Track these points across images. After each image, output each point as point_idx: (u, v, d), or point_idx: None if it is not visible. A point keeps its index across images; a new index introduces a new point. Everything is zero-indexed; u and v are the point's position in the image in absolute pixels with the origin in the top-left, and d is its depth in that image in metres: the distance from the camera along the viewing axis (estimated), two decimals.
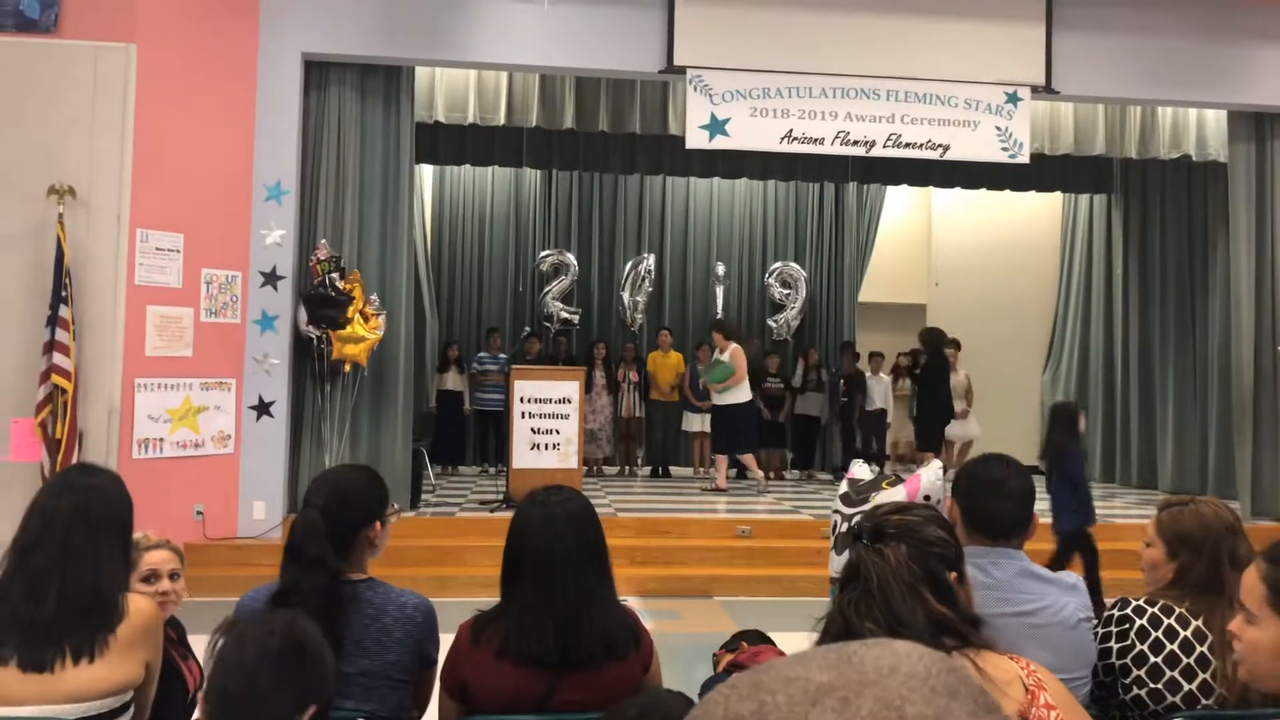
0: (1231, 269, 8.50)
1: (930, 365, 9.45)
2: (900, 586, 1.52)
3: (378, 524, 2.17)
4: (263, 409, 6.97)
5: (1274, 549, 1.57)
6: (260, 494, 6.89)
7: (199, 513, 6.62)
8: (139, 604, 2.07)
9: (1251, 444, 8.17)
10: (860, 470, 2.65)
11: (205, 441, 6.68)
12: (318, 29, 7.20)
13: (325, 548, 2.03)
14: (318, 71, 7.39)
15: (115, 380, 6.25)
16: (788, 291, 11.71)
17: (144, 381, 6.36)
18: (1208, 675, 2.06)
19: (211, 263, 6.79)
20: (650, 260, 11.50)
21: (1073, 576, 2.20)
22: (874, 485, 2.45)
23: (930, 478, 2.42)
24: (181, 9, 6.69)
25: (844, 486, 2.60)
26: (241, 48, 7.02)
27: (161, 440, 6.43)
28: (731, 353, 9.02)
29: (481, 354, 10.52)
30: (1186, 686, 2.08)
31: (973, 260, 12.39)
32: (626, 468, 10.75)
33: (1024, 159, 7.92)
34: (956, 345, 10.98)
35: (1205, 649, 2.07)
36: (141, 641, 2.06)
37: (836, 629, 1.53)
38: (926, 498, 2.30)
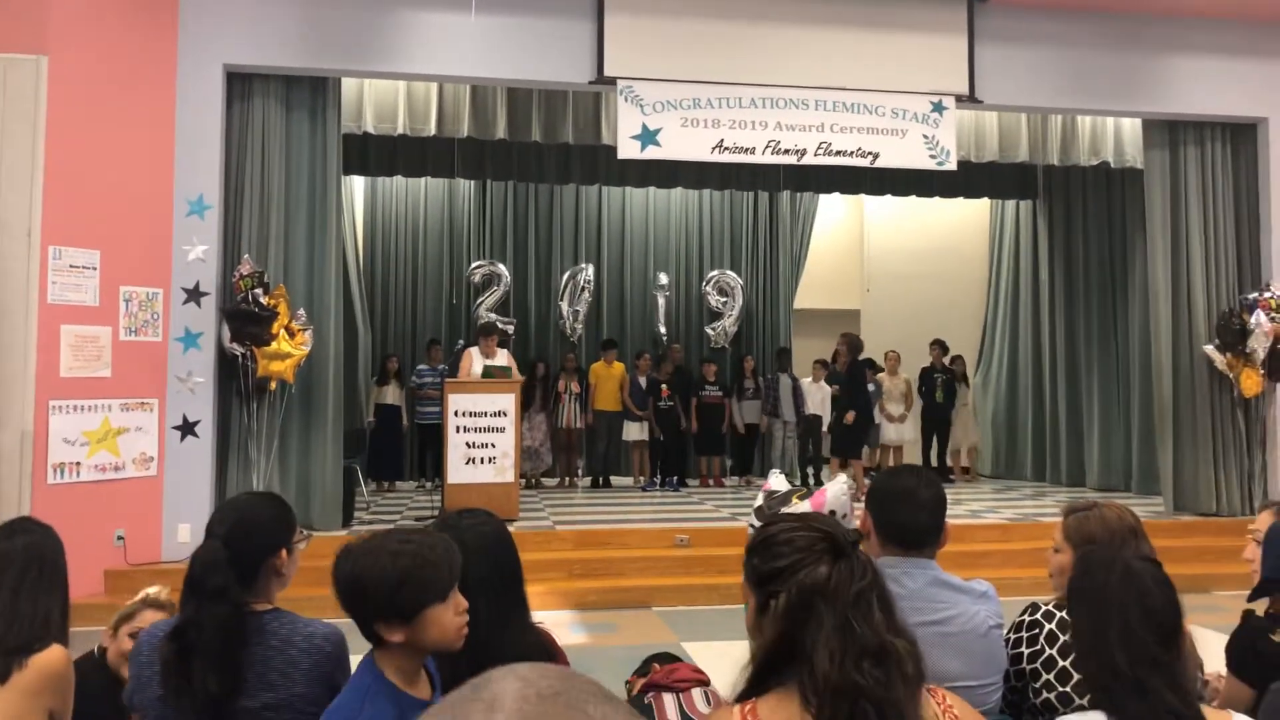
0: (1149, 272, 8.76)
1: (848, 370, 9.24)
2: (883, 599, 1.45)
3: (284, 552, 2.12)
4: (187, 429, 6.79)
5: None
6: (185, 516, 6.70)
7: (120, 538, 6.42)
8: (54, 652, 2.14)
9: (1172, 442, 8.41)
10: (777, 481, 2.63)
11: (126, 464, 6.48)
12: (240, 40, 7.05)
13: (227, 578, 1.97)
14: (240, 83, 7.24)
15: (28, 403, 6.02)
16: (724, 299, 11.79)
17: (59, 404, 6.14)
18: None
19: (131, 280, 6.59)
20: (590, 270, 11.48)
21: (984, 584, 2.22)
22: (786, 499, 2.43)
23: (835, 492, 2.40)
24: (96, 20, 6.50)
25: (760, 499, 2.58)
26: (160, 59, 6.85)
27: (79, 464, 6.21)
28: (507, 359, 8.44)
29: (421, 366, 10.39)
30: None
31: (904, 266, 12.61)
32: (567, 479, 10.70)
33: (951, 166, 8.08)
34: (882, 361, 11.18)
35: None
36: (48, 689, 2.10)
37: (871, 644, 1.38)
38: (832, 513, 2.28)
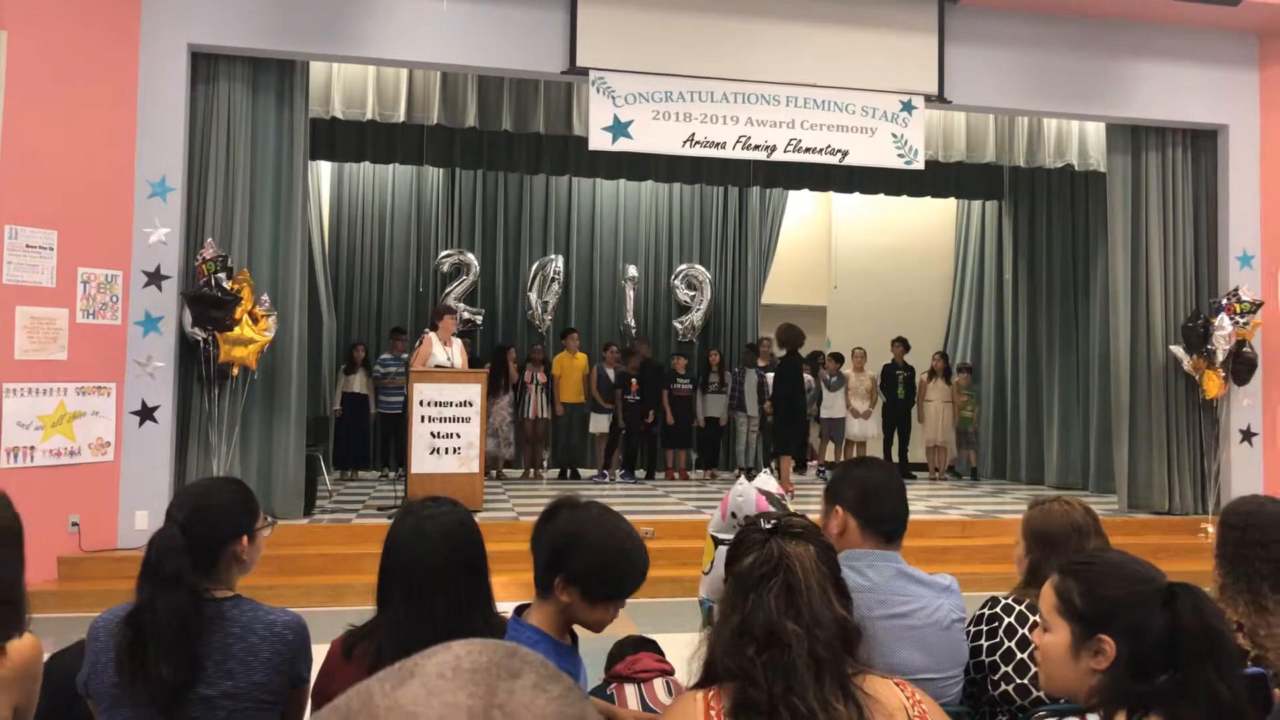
0: (1109, 274, 8.89)
1: (785, 364, 9.09)
2: (817, 585, 1.49)
3: (245, 539, 2.08)
4: (146, 414, 6.67)
5: (1070, 563, 1.66)
6: (143, 503, 6.59)
7: (74, 524, 6.29)
8: (29, 640, 2.02)
9: (1128, 442, 8.56)
10: (766, 482, 2.48)
11: (82, 449, 6.35)
12: (205, 20, 6.93)
13: (183, 564, 1.93)
14: (205, 64, 7.11)
15: None
16: (693, 293, 11.81)
17: (13, 386, 6.00)
18: None
19: (89, 261, 6.46)
20: (559, 262, 11.44)
21: (947, 578, 2.24)
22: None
23: (735, 496, 2.33)
24: None
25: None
26: (123, 37, 6.70)
27: (33, 448, 6.08)
28: (461, 354, 7.97)
29: (385, 355, 10.30)
30: None
31: (871, 263, 12.71)
32: (531, 470, 10.66)
33: (919, 165, 8.14)
34: (839, 358, 11.31)
35: None
36: (15, 682, 1.98)
37: (760, 628, 1.45)
38: (733, 515, 2.22)
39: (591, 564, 1.83)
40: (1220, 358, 8.12)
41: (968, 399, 11.23)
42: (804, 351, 9.59)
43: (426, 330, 7.83)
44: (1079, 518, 2.35)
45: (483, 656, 0.61)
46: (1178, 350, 8.41)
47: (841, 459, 11.20)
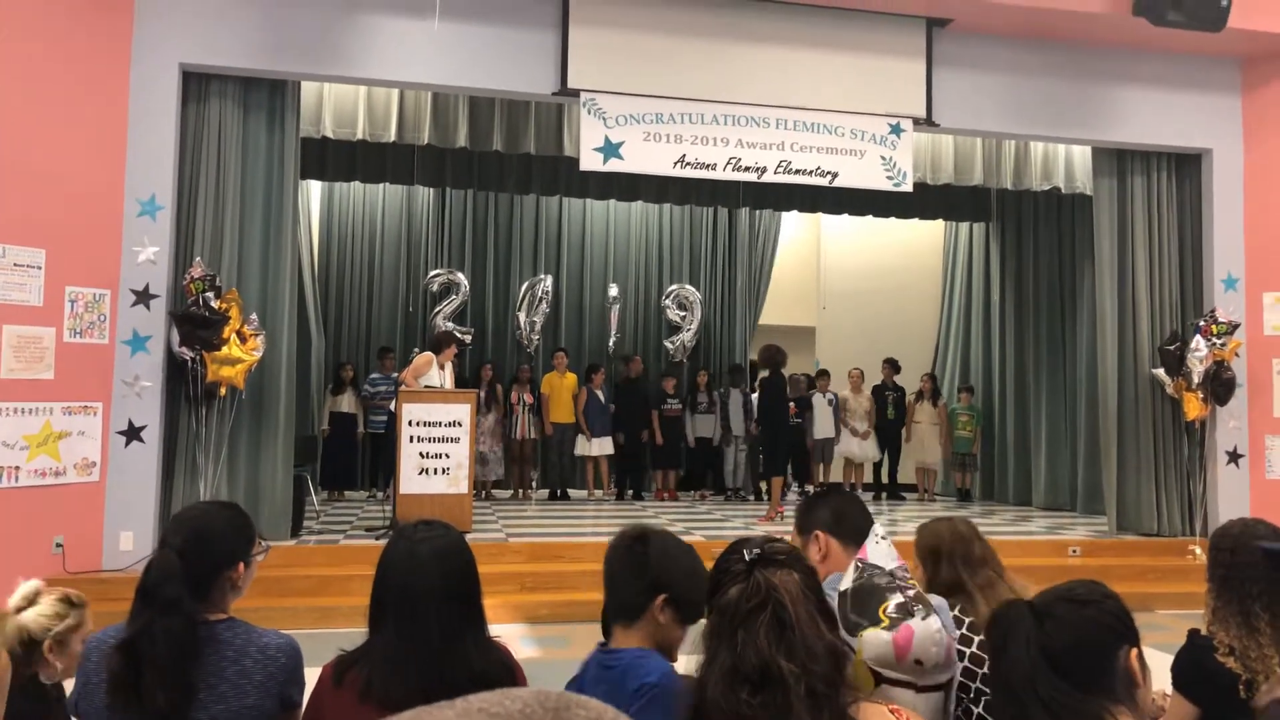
0: (1096, 296, 8.96)
1: (768, 385, 9.12)
2: (806, 614, 1.44)
3: (241, 565, 2.07)
4: (133, 434, 6.63)
5: None
6: (129, 524, 6.53)
7: (58, 545, 6.23)
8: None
9: (1116, 463, 8.58)
10: (879, 552, 1.79)
11: (67, 469, 6.29)
12: (197, 39, 6.94)
13: (180, 590, 1.92)
14: (197, 83, 7.12)
15: None
16: (684, 314, 11.83)
17: None
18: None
19: (77, 280, 6.43)
20: (548, 281, 11.45)
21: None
22: (869, 599, 1.69)
23: (920, 640, 1.64)
24: (47, 13, 6.35)
25: (850, 574, 1.78)
26: (113, 55, 6.70)
27: (17, 468, 6.02)
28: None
29: (374, 375, 10.28)
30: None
31: (860, 284, 12.77)
32: (520, 491, 10.62)
33: (908, 187, 8.20)
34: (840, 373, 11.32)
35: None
36: None
37: (753, 668, 1.38)
38: (918, 662, 1.63)
39: (688, 586, 1.92)
40: (1197, 379, 8.16)
41: (969, 419, 11.21)
42: (791, 374, 9.63)
43: (426, 350, 7.82)
44: (963, 528, 2.58)
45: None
46: (1159, 373, 8.46)
47: (832, 480, 11.19)
